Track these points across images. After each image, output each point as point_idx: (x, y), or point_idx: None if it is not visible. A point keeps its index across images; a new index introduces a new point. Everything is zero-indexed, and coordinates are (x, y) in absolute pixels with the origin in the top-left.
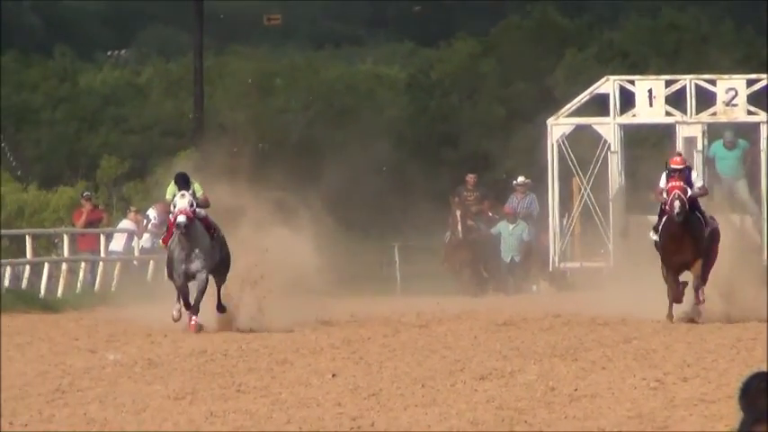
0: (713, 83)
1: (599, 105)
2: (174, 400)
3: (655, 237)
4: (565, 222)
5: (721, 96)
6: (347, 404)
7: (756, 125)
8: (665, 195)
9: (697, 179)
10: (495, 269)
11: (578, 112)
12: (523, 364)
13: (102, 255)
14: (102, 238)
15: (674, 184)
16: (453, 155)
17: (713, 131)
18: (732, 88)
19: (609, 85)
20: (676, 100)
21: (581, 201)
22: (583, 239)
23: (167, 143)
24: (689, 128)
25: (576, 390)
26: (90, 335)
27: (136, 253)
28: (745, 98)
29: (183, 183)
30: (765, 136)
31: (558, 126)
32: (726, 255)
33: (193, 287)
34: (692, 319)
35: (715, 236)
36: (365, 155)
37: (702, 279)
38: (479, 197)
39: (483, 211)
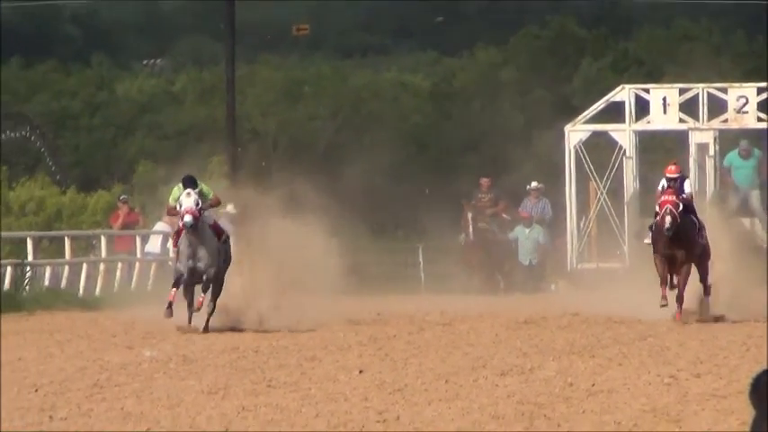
0: (725, 91)
1: (615, 112)
2: (207, 395)
3: (647, 240)
4: (582, 225)
5: (732, 104)
6: (373, 399)
7: (766, 132)
8: (657, 208)
9: (687, 187)
10: (508, 271)
11: (595, 119)
12: (543, 360)
13: (139, 255)
14: (138, 240)
15: (666, 198)
16: (475, 160)
17: (724, 138)
18: (743, 96)
19: (624, 93)
20: (689, 107)
21: (597, 204)
22: (599, 241)
23: (201, 149)
24: (701, 134)
25: (593, 385)
26: (127, 332)
27: (170, 254)
28: (756, 106)
29: (190, 185)
30: None
31: (576, 132)
32: (732, 256)
33: (198, 288)
34: (714, 316)
35: (705, 251)
36: (390, 159)
37: (684, 281)
38: (493, 200)
39: (498, 213)
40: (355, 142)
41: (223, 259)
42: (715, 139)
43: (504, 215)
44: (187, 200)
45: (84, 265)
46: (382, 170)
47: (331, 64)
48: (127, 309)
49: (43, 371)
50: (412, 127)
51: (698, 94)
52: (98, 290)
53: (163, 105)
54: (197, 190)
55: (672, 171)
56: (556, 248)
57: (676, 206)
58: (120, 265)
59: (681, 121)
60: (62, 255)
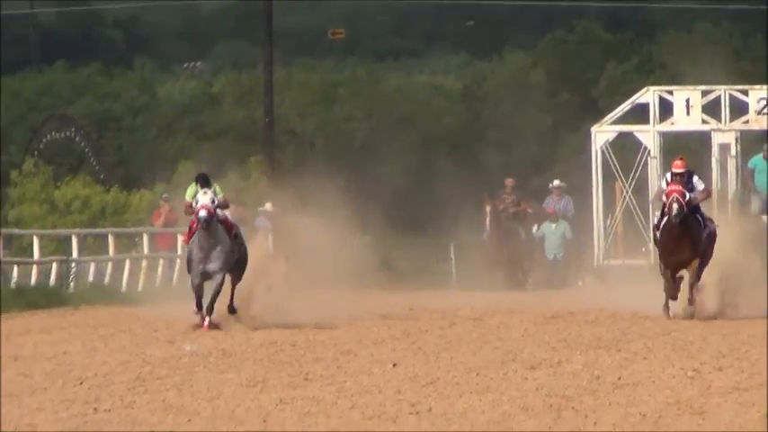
0: (745, 93)
1: (639, 114)
2: (246, 388)
3: (656, 234)
4: (608, 223)
5: (753, 105)
6: (407, 391)
7: None
8: (664, 198)
9: (699, 183)
10: (529, 268)
11: (620, 121)
12: (570, 354)
13: (180, 253)
14: (180, 238)
15: (672, 187)
16: (504, 160)
17: (745, 138)
18: (763, 98)
19: (649, 95)
20: (711, 109)
21: (623, 203)
22: (625, 238)
23: (240, 149)
24: (723, 135)
25: (619, 378)
26: (168, 327)
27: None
28: None
29: (204, 184)
30: None
31: (602, 133)
32: (755, 252)
33: (209, 287)
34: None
35: (712, 237)
36: (423, 159)
37: (697, 277)
38: (516, 201)
39: (522, 211)
40: (389, 143)
41: (236, 256)
42: (736, 140)
43: (529, 209)
44: (203, 197)
45: (127, 262)
46: (415, 169)
47: (365, 67)
48: (168, 304)
49: (87, 364)
50: (443, 128)
51: (720, 95)
52: (140, 286)
53: (203, 107)
54: (212, 189)
55: (678, 166)
56: (579, 244)
57: (683, 195)
58: (161, 261)
59: (703, 122)
60: (106, 251)
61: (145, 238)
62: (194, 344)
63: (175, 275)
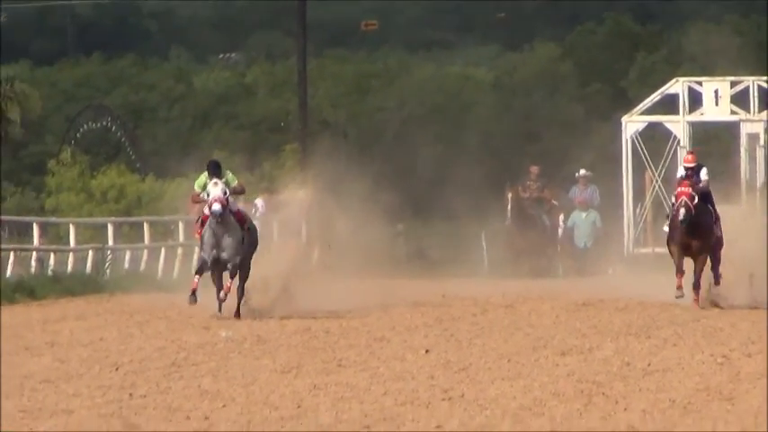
0: None
1: (669, 104)
2: (280, 374)
3: (666, 228)
4: (638, 212)
5: None
6: (439, 377)
7: None
8: (673, 199)
9: (704, 175)
10: (551, 255)
11: (650, 111)
12: (601, 341)
13: None
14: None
15: (681, 189)
16: (535, 149)
17: None
18: None
19: (678, 86)
20: (740, 99)
21: (653, 192)
22: (654, 227)
23: (274, 138)
24: (752, 125)
25: (649, 365)
26: (203, 313)
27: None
28: None
29: (216, 170)
30: None
31: (632, 123)
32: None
33: (225, 277)
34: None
35: (718, 243)
36: (454, 149)
37: (701, 270)
38: (540, 188)
39: (545, 199)
40: (421, 132)
41: (248, 247)
42: (765, 130)
43: (554, 201)
44: (215, 189)
45: (163, 250)
46: (446, 159)
47: (398, 58)
48: (204, 291)
49: (123, 350)
50: (475, 118)
51: (748, 86)
52: (176, 273)
53: (237, 97)
54: (223, 180)
55: (689, 160)
56: (608, 233)
57: (692, 198)
58: (196, 249)
59: (732, 112)
60: (141, 240)
61: (180, 226)
62: (229, 330)
63: None
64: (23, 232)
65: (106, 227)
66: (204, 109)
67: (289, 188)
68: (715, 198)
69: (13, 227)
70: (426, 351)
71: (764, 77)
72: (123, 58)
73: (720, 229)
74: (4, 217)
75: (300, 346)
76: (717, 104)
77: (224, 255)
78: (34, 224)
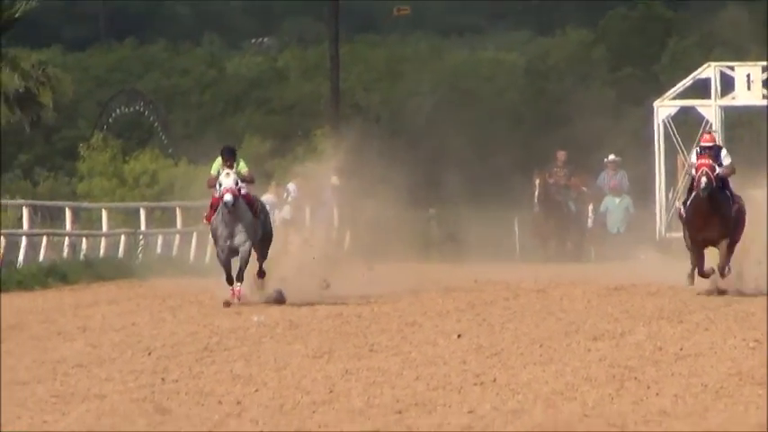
0: None
1: (701, 89)
2: (312, 359)
3: (682, 211)
4: (670, 196)
5: None
6: (471, 362)
7: None
8: (693, 172)
9: (726, 157)
10: (578, 241)
11: (682, 96)
12: (633, 325)
13: None
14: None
15: (702, 161)
16: (567, 134)
17: None
18: None
19: (710, 71)
20: None
21: (685, 176)
22: None
23: (306, 123)
24: None
25: (681, 349)
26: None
27: (277, 223)
28: None
29: (230, 156)
30: None
31: (664, 108)
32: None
33: (236, 261)
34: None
35: (741, 215)
36: (487, 134)
37: (727, 259)
38: (567, 174)
39: (573, 185)
40: (453, 117)
41: (261, 228)
42: None
43: (584, 188)
44: (227, 180)
45: (195, 235)
46: (478, 143)
47: (430, 43)
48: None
49: (156, 335)
50: (507, 103)
51: None
52: (207, 258)
53: (269, 82)
54: (234, 170)
55: (706, 140)
56: (639, 218)
57: (712, 169)
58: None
59: (764, 97)
60: (173, 224)
61: None
62: (261, 315)
63: None
64: (56, 217)
65: (138, 212)
66: (236, 94)
67: (321, 173)
68: (744, 182)
69: (45, 212)
70: (458, 336)
71: None
72: (155, 43)
73: (744, 219)
74: (36, 202)
75: (332, 330)
76: (749, 89)
77: (235, 241)
78: (67, 209)
